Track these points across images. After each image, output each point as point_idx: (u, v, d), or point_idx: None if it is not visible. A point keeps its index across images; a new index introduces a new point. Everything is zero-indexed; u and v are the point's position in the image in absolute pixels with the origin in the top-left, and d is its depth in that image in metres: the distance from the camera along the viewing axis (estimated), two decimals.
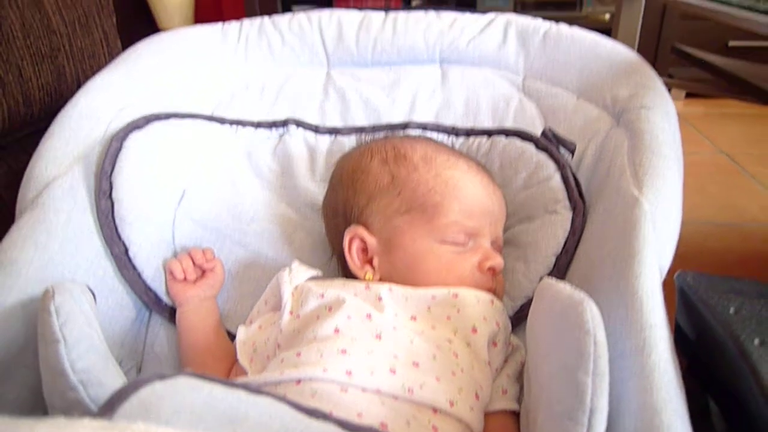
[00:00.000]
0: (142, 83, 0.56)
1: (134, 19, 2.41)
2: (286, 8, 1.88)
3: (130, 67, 0.56)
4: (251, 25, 0.64)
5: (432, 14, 0.62)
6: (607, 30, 1.12)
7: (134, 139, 0.48)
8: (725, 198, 1.16)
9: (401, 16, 0.62)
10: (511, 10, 1.75)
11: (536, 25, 0.59)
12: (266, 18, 0.65)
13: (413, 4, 1.82)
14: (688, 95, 1.73)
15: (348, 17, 0.63)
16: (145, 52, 0.59)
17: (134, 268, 0.44)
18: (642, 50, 1.23)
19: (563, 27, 0.58)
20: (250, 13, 1.76)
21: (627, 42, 0.93)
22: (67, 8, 0.66)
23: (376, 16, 0.63)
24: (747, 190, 1.20)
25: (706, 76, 1.09)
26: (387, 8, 0.63)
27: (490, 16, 0.61)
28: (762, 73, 0.68)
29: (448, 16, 0.61)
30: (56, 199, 0.42)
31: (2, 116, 0.58)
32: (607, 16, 1.76)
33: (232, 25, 0.65)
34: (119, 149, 0.46)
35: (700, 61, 0.80)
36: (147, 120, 0.50)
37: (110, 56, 0.73)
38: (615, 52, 0.55)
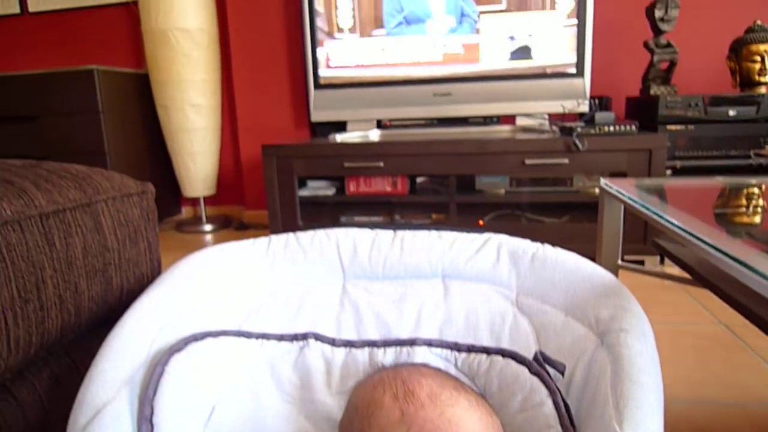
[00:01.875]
0: (181, 301, 0.64)
1: (164, 188, 2.64)
2: (302, 184, 2.06)
3: (172, 286, 0.65)
4: (278, 240, 0.74)
5: (434, 234, 0.72)
6: (596, 202, 1.22)
7: (175, 363, 0.54)
8: (728, 375, 1.18)
9: (408, 236, 0.72)
10: (507, 187, 1.93)
11: (525, 246, 0.68)
12: (291, 235, 0.75)
13: (418, 181, 2.00)
14: None
15: (361, 236, 0.73)
16: (185, 270, 0.68)
17: None
18: (628, 235, 1.34)
19: (548, 249, 0.67)
20: (269, 183, 1.93)
21: (612, 235, 1.03)
22: (121, 227, 0.77)
23: (386, 236, 0.73)
24: (750, 367, 1.23)
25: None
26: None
27: (485, 236, 0.71)
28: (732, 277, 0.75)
29: (448, 237, 0.71)
30: (104, 427, 0.48)
31: (56, 329, 0.66)
32: (596, 190, 1.92)
33: (262, 241, 0.75)
34: (161, 374, 0.53)
35: (676, 257, 0.88)
36: (186, 341, 0.57)
37: (152, 262, 0.83)
38: (596, 274, 0.63)
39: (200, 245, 2.26)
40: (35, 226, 0.63)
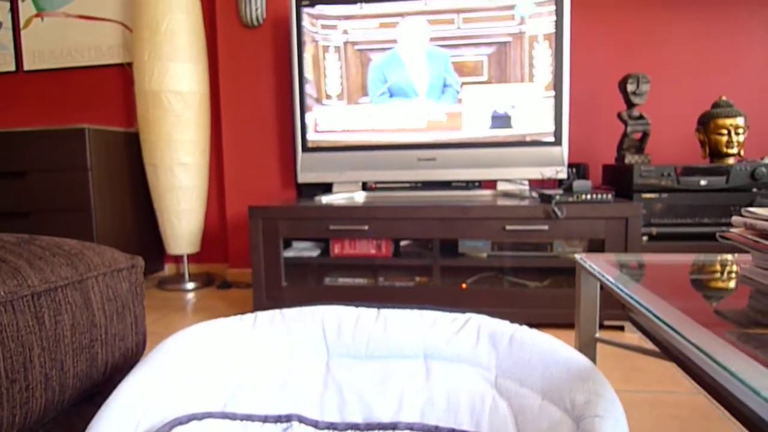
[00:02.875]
0: (167, 382, 0.65)
1: (147, 245, 2.63)
2: (287, 244, 2.08)
3: (158, 366, 0.66)
4: (264, 317, 0.76)
5: (416, 313, 0.74)
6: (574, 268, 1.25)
7: None
8: None
9: (390, 315, 0.74)
10: (488, 252, 1.97)
11: (503, 328, 0.70)
12: (277, 312, 0.77)
13: (402, 244, 2.04)
14: None
15: (346, 314, 0.75)
16: (172, 349, 0.69)
17: None
18: (608, 301, 1.37)
19: (526, 331, 0.70)
20: (254, 244, 1.95)
21: (588, 310, 1.06)
22: (110, 302, 0.78)
23: (370, 314, 0.75)
24: None
25: None
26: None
27: (465, 316, 0.73)
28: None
29: (430, 316, 0.74)
30: None
31: (40, 408, 0.66)
32: (577, 256, 1.96)
33: (248, 318, 0.76)
34: None
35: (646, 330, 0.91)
36: (171, 425, 0.58)
37: (137, 336, 0.84)
38: (571, 358, 0.66)
39: (181, 304, 2.24)
40: (26, 306, 0.64)
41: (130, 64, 2.67)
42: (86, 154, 2.28)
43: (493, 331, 0.70)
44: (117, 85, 2.76)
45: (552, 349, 0.67)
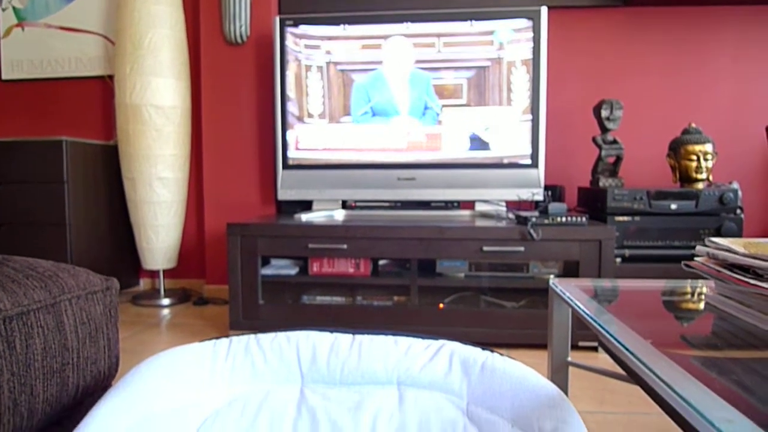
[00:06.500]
0: (140, 406, 0.64)
1: (122, 260, 2.60)
2: (265, 261, 2.08)
3: (129, 392, 0.66)
4: (239, 343, 0.76)
5: (391, 340, 0.75)
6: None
7: None
8: None
9: (365, 341, 0.75)
10: (466, 272, 1.99)
11: (476, 355, 0.72)
12: (252, 337, 0.77)
13: (381, 264, 2.05)
14: None
15: (321, 340, 0.76)
16: (144, 374, 0.69)
17: None
18: (580, 325, 1.39)
19: (497, 358, 0.71)
20: (232, 261, 1.94)
21: (561, 334, 1.08)
22: (83, 325, 0.77)
23: (345, 340, 0.76)
24: None
25: None
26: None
27: (439, 343, 0.75)
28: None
29: (404, 343, 0.75)
30: None
31: None
32: (551, 277, 2.00)
33: (222, 343, 0.77)
34: None
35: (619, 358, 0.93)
36: None
37: (110, 359, 0.83)
38: (540, 386, 0.67)
39: (156, 320, 2.22)
40: None
41: (111, 77, 2.66)
42: (63, 167, 2.26)
43: (466, 358, 0.72)
44: (97, 97, 2.74)
45: (522, 376, 0.68)
